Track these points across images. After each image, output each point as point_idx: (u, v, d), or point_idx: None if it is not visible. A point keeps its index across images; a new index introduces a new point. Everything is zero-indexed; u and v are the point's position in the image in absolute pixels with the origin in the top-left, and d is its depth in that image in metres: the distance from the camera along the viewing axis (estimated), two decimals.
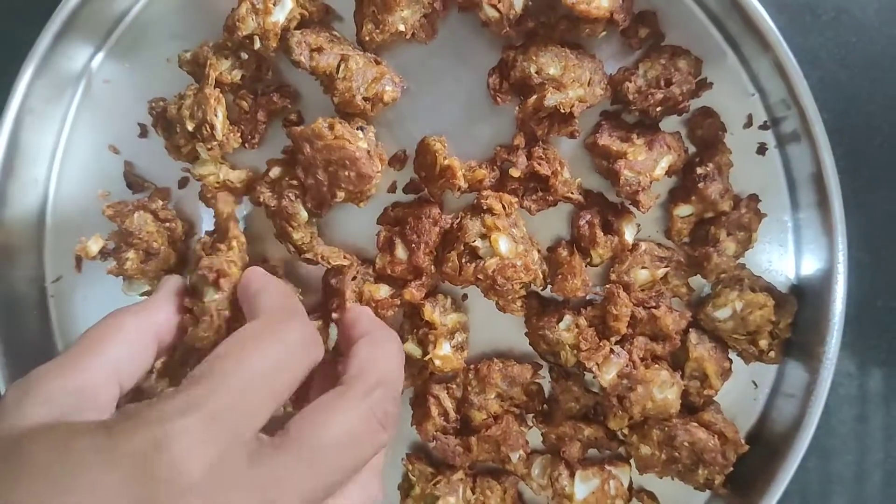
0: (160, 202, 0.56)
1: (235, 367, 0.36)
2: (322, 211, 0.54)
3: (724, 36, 0.53)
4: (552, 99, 0.51)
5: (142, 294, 0.57)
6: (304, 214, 0.53)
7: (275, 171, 0.54)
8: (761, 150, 0.55)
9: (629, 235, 0.54)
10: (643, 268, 0.54)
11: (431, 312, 0.54)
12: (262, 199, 0.54)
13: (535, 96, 0.51)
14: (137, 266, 0.55)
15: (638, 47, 0.54)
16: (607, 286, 0.54)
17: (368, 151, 0.51)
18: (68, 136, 0.57)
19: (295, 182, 0.53)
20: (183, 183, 0.58)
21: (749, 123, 0.54)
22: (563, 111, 0.51)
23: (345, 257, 0.55)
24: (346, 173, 0.51)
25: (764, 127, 0.54)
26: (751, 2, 0.49)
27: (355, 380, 0.39)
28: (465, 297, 0.57)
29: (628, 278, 0.54)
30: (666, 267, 0.55)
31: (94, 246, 0.56)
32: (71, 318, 0.59)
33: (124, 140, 0.57)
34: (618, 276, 0.55)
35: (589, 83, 0.52)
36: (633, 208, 0.54)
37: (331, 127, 0.50)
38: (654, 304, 0.54)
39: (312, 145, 0.51)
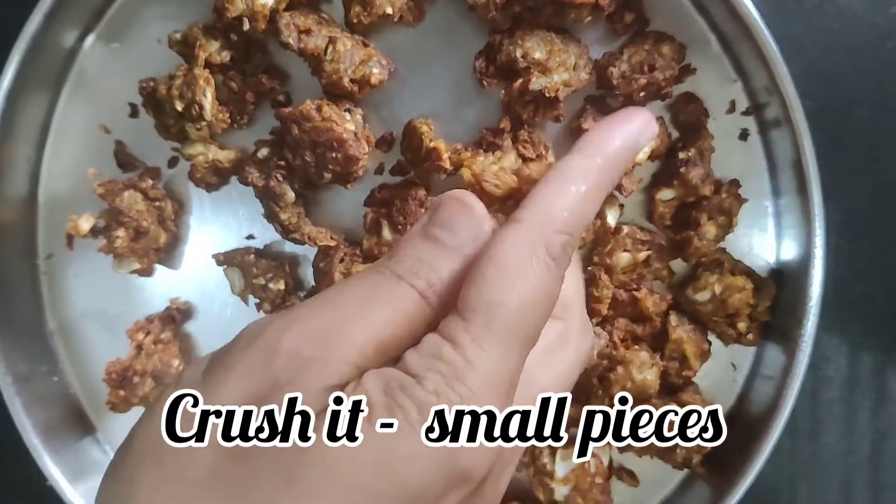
0: (150, 181, 0.57)
1: None
2: (309, 192, 0.55)
3: (708, 22, 0.54)
4: (537, 83, 0.51)
5: (131, 272, 0.58)
6: (291, 195, 0.54)
7: (263, 152, 0.54)
8: (743, 135, 0.55)
9: (611, 219, 0.55)
10: (625, 251, 0.55)
11: None
12: (250, 180, 0.54)
13: (520, 80, 0.52)
14: (127, 244, 0.56)
15: (624, 33, 0.54)
16: (589, 268, 0.55)
17: (356, 133, 0.52)
18: (60, 115, 0.58)
19: (282, 163, 0.54)
20: (173, 163, 0.58)
21: (732, 109, 0.55)
22: (548, 95, 0.51)
23: (332, 238, 0.56)
24: (334, 155, 0.52)
25: (746, 113, 0.55)
26: None
27: (537, 219, 0.33)
28: None
29: (610, 261, 0.55)
30: (648, 250, 0.56)
31: (86, 224, 0.56)
32: (62, 296, 0.60)
33: (115, 120, 0.58)
34: (600, 258, 0.55)
35: (574, 68, 0.52)
36: (615, 192, 0.55)
37: (318, 109, 0.51)
38: (635, 287, 0.55)
39: (300, 126, 0.51)
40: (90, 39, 0.57)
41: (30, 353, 0.58)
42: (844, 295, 0.58)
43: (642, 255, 0.55)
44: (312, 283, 0.58)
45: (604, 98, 0.55)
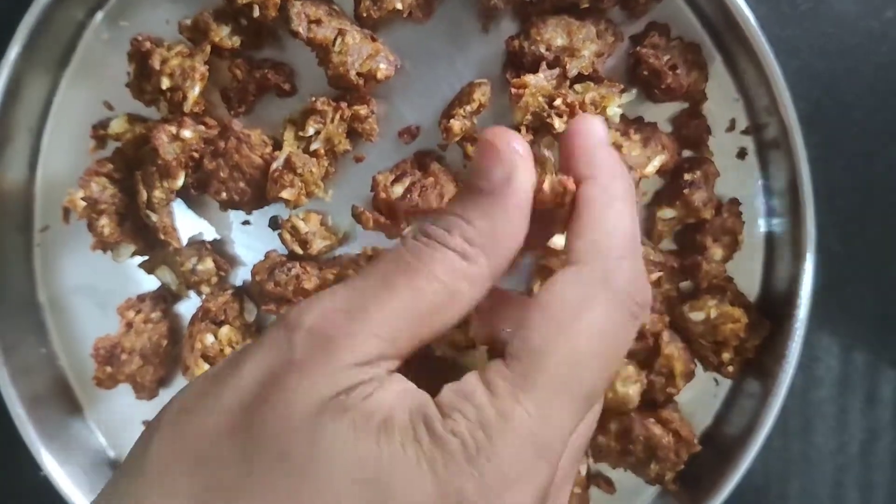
0: (110, 165, 0.56)
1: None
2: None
3: (715, 40, 0.54)
4: (573, 67, 0.51)
5: (132, 255, 0.57)
6: (179, 183, 0.54)
7: (186, 133, 0.54)
8: (741, 154, 0.56)
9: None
10: None
11: None
12: (158, 143, 0.53)
13: (557, 70, 0.52)
14: (115, 229, 0.55)
15: (643, 14, 0.54)
16: None
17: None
18: (64, 88, 0.58)
19: (196, 154, 0.54)
20: None
21: (732, 127, 0.55)
22: (586, 73, 0.52)
23: (177, 240, 0.56)
24: (242, 185, 0.53)
25: (746, 132, 0.55)
26: (741, 12, 0.50)
27: (592, 256, 0.29)
28: None
29: None
30: (660, 272, 0.56)
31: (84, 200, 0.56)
32: (55, 269, 0.60)
33: (118, 96, 0.57)
34: None
35: (598, 36, 0.53)
36: None
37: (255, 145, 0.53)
38: None
39: (236, 147, 0.53)
40: (99, 16, 0.57)
41: (19, 323, 0.58)
42: (836, 296, 0.59)
43: (654, 276, 0.55)
44: (243, 261, 0.59)
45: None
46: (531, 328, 0.27)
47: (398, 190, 0.54)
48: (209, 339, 0.56)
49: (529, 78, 0.50)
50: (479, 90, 0.53)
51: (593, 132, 0.32)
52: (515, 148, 0.30)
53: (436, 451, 0.25)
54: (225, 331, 0.56)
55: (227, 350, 0.56)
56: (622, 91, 0.53)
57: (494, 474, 0.25)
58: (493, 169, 0.30)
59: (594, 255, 0.29)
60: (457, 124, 0.52)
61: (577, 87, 0.52)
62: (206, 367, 0.56)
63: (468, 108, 0.53)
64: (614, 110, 0.52)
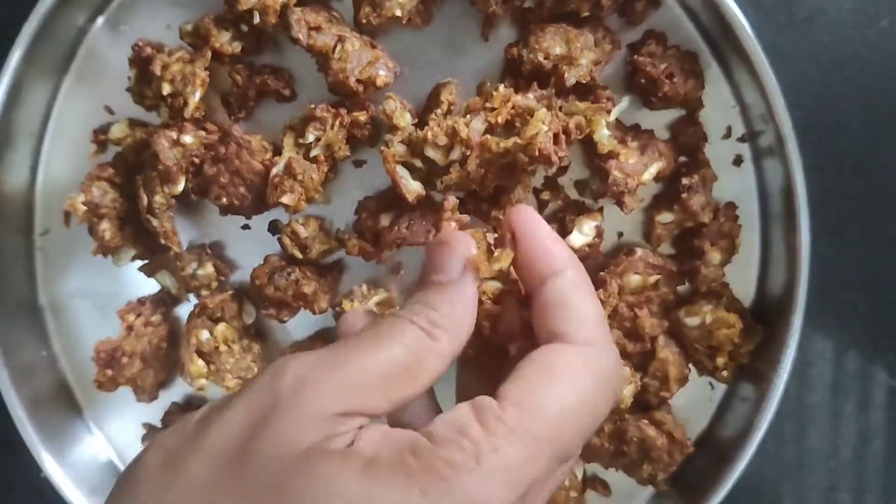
0: (111, 170, 0.57)
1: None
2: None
3: (711, 49, 0.55)
4: (571, 76, 0.52)
5: (133, 259, 0.58)
6: (179, 188, 0.54)
7: (187, 138, 0.54)
8: (737, 161, 0.56)
9: (579, 236, 0.55)
10: (636, 273, 0.56)
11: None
12: (159, 149, 0.53)
13: (553, 80, 0.52)
14: (115, 233, 0.56)
15: (640, 21, 0.55)
16: (601, 273, 0.55)
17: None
18: (65, 93, 0.58)
19: (196, 159, 0.54)
20: None
21: (728, 135, 0.56)
22: (584, 82, 0.52)
23: (178, 244, 0.56)
24: (242, 190, 0.54)
25: (742, 139, 0.56)
26: (737, 21, 0.51)
27: (582, 340, 0.34)
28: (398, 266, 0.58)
29: (621, 281, 0.55)
30: (658, 275, 0.56)
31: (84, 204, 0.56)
32: (56, 272, 0.60)
33: (119, 101, 0.58)
34: (610, 277, 0.56)
35: (596, 44, 0.53)
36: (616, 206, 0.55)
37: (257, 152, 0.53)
38: (638, 305, 0.56)
39: (237, 153, 0.53)
40: (100, 21, 0.57)
41: (20, 326, 0.59)
42: (829, 301, 0.60)
43: (652, 278, 0.56)
44: (243, 266, 0.59)
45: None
46: (533, 384, 0.32)
47: (385, 221, 0.55)
48: (204, 334, 0.56)
49: (518, 98, 0.50)
50: (446, 90, 0.53)
51: (542, 230, 0.37)
52: (467, 246, 0.36)
53: (428, 477, 0.28)
54: (221, 328, 0.57)
55: (223, 348, 0.57)
56: (613, 106, 0.53)
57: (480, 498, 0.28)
58: (446, 264, 0.35)
59: (584, 339, 0.34)
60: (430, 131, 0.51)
61: (565, 106, 0.52)
62: (201, 363, 0.56)
63: (438, 110, 0.53)
64: (603, 133, 0.52)
